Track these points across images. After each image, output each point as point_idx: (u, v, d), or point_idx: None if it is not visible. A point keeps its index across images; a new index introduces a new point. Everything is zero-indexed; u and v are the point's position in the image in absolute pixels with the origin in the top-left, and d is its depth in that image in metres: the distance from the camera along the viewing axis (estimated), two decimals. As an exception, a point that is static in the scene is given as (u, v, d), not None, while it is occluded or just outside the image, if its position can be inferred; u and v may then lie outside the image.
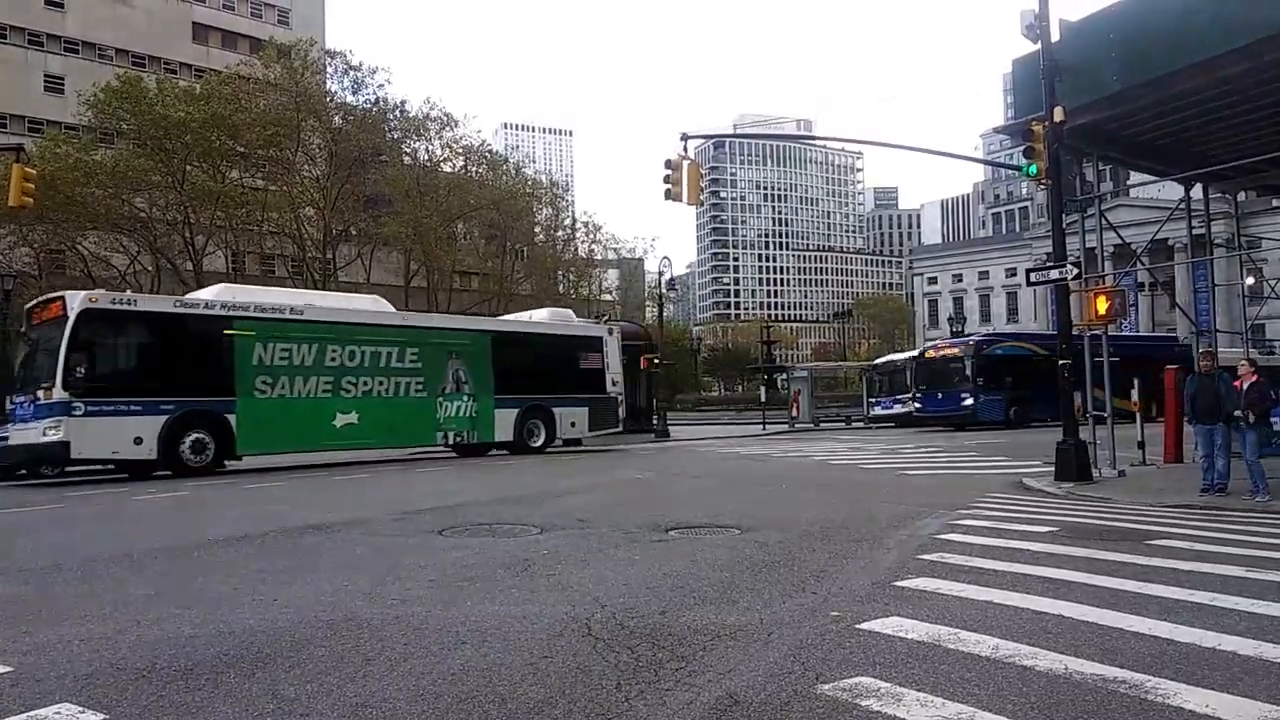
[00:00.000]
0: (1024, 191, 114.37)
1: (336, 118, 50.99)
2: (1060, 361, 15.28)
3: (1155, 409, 30.01)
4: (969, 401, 34.32)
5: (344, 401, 20.31)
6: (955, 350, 36.60)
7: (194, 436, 18.08)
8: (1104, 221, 17.78)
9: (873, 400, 43.02)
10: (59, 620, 5.54)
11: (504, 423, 23.26)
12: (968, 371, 34.89)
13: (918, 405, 36.88)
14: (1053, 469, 14.71)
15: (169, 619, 5.54)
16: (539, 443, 23.93)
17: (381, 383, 21.10)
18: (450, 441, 22.70)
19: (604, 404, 25.65)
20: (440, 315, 27.25)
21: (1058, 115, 14.33)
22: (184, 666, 4.51)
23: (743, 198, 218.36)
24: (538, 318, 27.26)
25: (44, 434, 16.52)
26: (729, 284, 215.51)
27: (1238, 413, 11.80)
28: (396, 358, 21.45)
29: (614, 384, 26.00)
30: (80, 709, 3.90)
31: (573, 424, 24.88)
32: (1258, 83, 13.66)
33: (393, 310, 23.76)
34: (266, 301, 20.29)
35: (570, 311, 30.28)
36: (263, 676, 4.34)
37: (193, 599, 6.16)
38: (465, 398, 22.68)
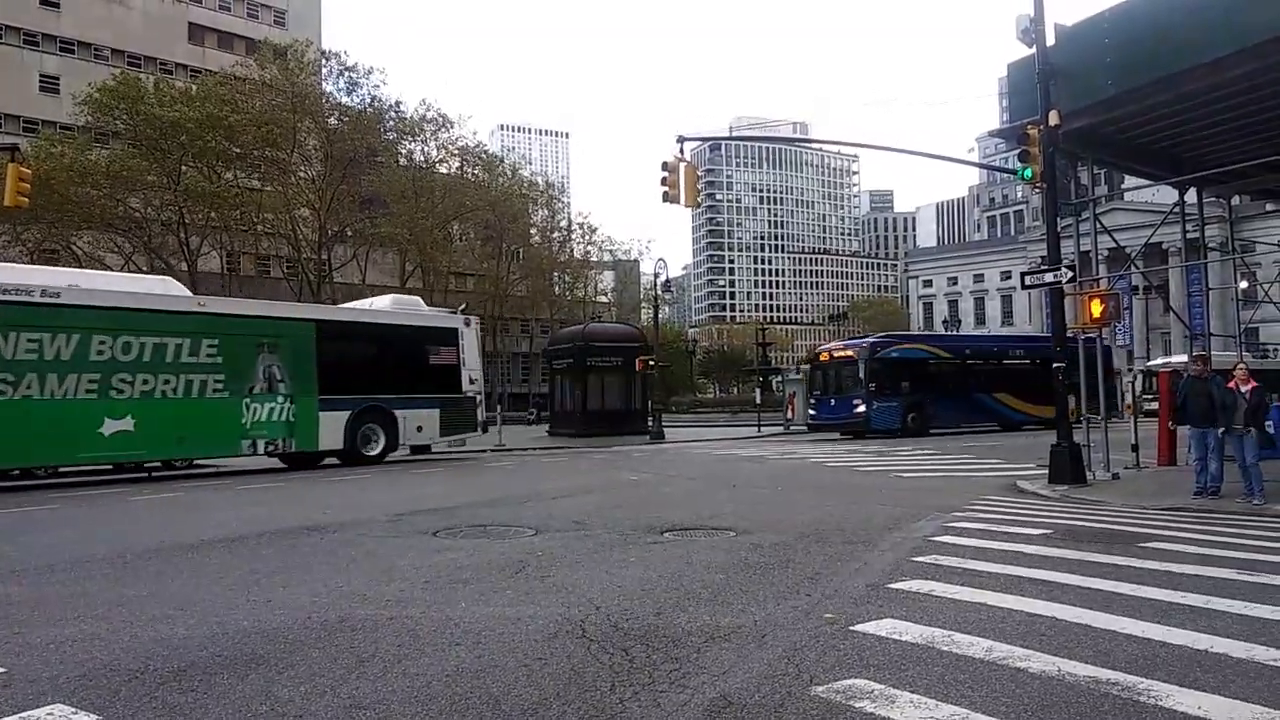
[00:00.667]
0: (1019, 195, 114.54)
1: (331, 119, 50.95)
2: (1054, 365, 15.29)
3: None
4: (861, 408, 31.39)
5: (115, 404, 17.08)
6: (849, 353, 33.53)
7: None
8: (1099, 225, 17.82)
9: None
10: (52, 621, 5.53)
11: (331, 427, 20.24)
12: (861, 375, 31.84)
13: (812, 412, 34.68)
14: (1047, 472, 14.72)
15: (163, 620, 5.53)
16: (376, 450, 21.11)
17: (168, 381, 17.83)
18: (262, 450, 19.38)
19: (459, 405, 22.96)
20: (251, 301, 24.04)
21: (1053, 119, 14.37)
22: (177, 667, 4.51)
23: (738, 200, 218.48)
24: (379, 305, 24.06)
25: None
26: (724, 286, 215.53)
27: (1237, 427, 11.83)
28: (189, 351, 18.19)
29: (471, 382, 23.46)
30: (73, 710, 3.90)
31: (419, 428, 22.15)
32: (1252, 87, 13.71)
33: (187, 294, 20.26)
34: (9, 281, 16.54)
35: (419, 299, 27.31)
36: (257, 677, 4.34)
37: (186, 600, 6.14)
38: (280, 399, 19.44)
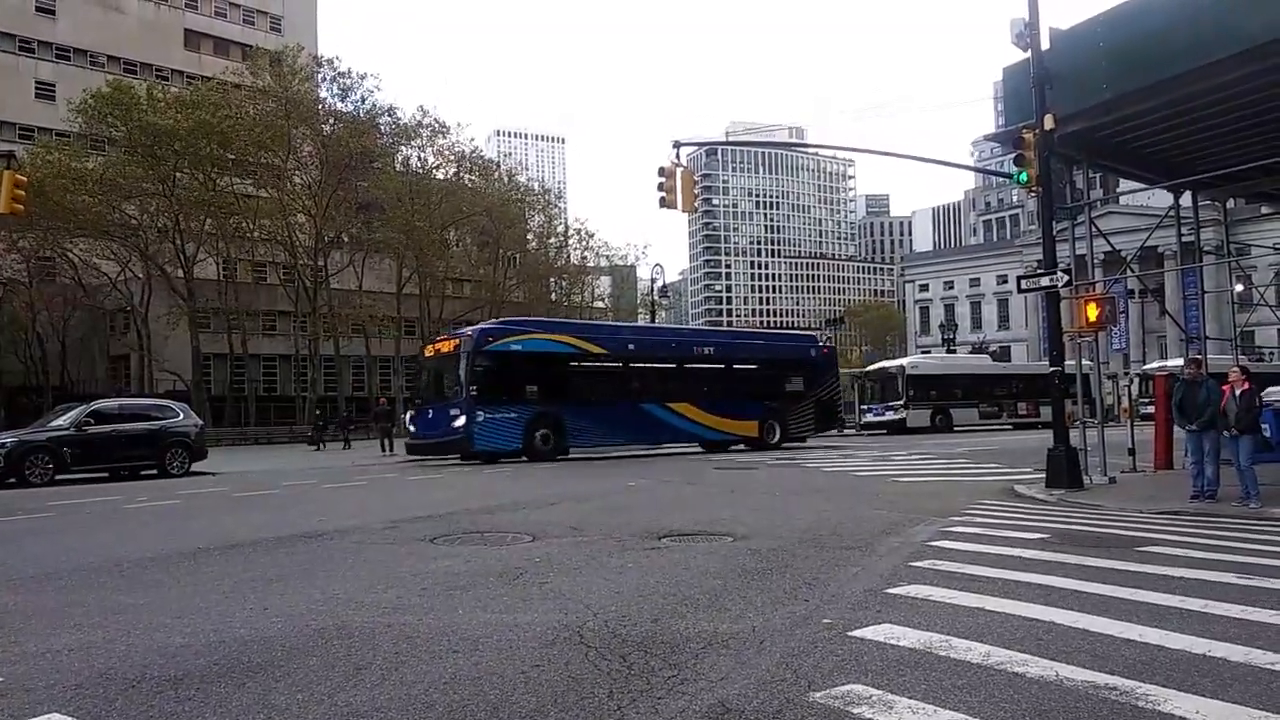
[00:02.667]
0: (1015, 199, 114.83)
1: (326, 125, 50.98)
2: (1052, 368, 15.30)
3: (777, 430, 27.76)
4: (461, 421, 22.47)
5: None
6: (452, 345, 24.19)
7: None
8: (1094, 229, 17.86)
9: (864, 407, 43.15)
10: (48, 630, 5.52)
11: None
12: (462, 375, 22.89)
13: (411, 428, 25.43)
14: (1044, 476, 14.73)
15: (159, 628, 5.51)
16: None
17: None
18: None
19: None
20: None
21: (1048, 123, 14.40)
22: (174, 676, 4.49)
23: (735, 205, 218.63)
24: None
25: None
26: (721, 291, 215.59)
27: (1227, 432, 11.86)
28: None
29: None
30: (69, 719, 3.88)
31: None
32: (1247, 91, 13.75)
33: None
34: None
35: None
36: (254, 685, 4.32)
37: (183, 608, 6.13)
38: None
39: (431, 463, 23.73)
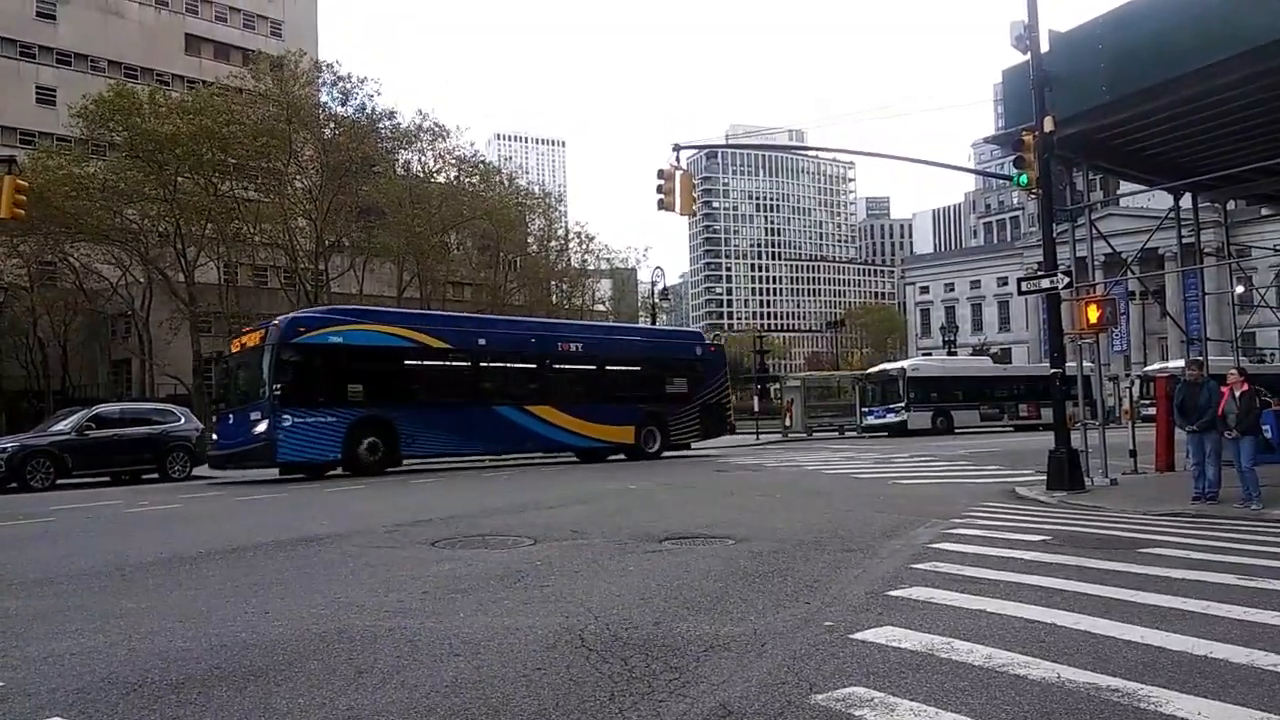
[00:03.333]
0: (1015, 201, 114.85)
1: (327, 129, 51.03)
2: (1053, 370, 15.30)
3: (657, 437, 25.49)
4: (262, 428, 19.42)
5: None
6: (257, 338, 20.70)
7: None
8: (1094, 231, 17.87)
9: (865, 409, 43.13)
10: (50, 634, 5.52)
11: None
12: (265, 373, 19.67)
13: (215, 436, 21.56)
14: (1045, 478, 14.72)
15: (161, 632, 5.51)
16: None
17: None
18: None
19: None
20: None
21: (1048, 125, 14.42)
22: (176, 680, 4.49)
23: (735, 208, 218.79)
24: None
25: None
26: (722, 294, 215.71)
27: (1228, 434, 11.86)
28: None
29: None
30: (71, 723, 3.88)
31: None
32: (1247, 92, 13.76)
33: None
34: None
35: None
36: (255, 689, 4.32)
37: (185, 612, 6.13)
38: None
39: (430, 466, 23.69)
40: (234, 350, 22.37)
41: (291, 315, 22.18)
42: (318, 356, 20.29)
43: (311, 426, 19.79)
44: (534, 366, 24.54)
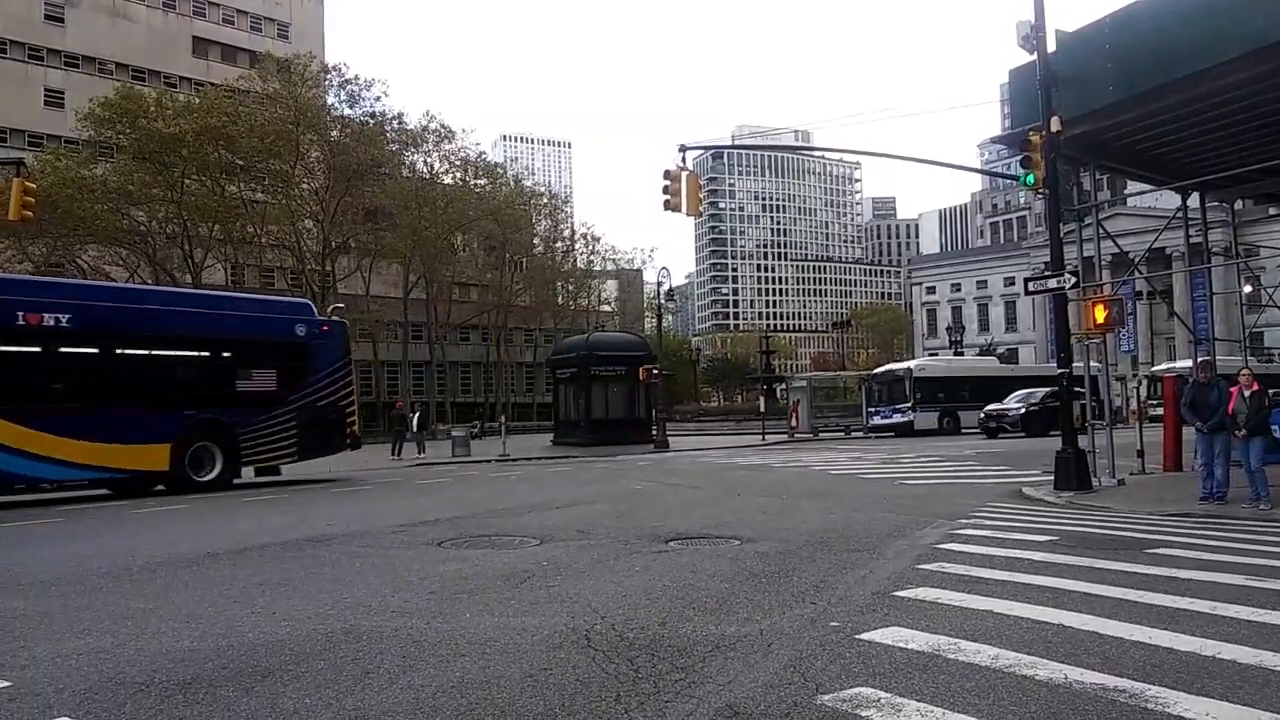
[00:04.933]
0: (1022, 201, 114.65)
1: (334, 132, 51.18)
2: (1060, 370, 15.26)
3: (218, 457, 17.22)
4: None
5: None
6: None
7: None
8: (1101, 230, 17.83)
9: (871, 410, 43.02)
10: (58, 635, 5.54)
11: None
12: None
13: None
14: (1053, 478, 14.68)
15: (168, 632, 5.53)
16: None
17: None
18: None
19: None
20: None
21: (1054, 125, 14.36)
22: (183, 680, 4.51)
23: (741, 208, 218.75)
24: None
25: None
26: (728, 294, 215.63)
27: (1239, 433, 11.81)
28: None
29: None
30: (79, 723, 3.89)
31: None
32: (1253, 93, 13.70)
33: None
34: None
35: None
36: (262, 689, 4.33)
37: (192, 612, 6.15)
38: None
39: (437, 467, 23.72)
40: None
41: None
42: None
43: None
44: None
